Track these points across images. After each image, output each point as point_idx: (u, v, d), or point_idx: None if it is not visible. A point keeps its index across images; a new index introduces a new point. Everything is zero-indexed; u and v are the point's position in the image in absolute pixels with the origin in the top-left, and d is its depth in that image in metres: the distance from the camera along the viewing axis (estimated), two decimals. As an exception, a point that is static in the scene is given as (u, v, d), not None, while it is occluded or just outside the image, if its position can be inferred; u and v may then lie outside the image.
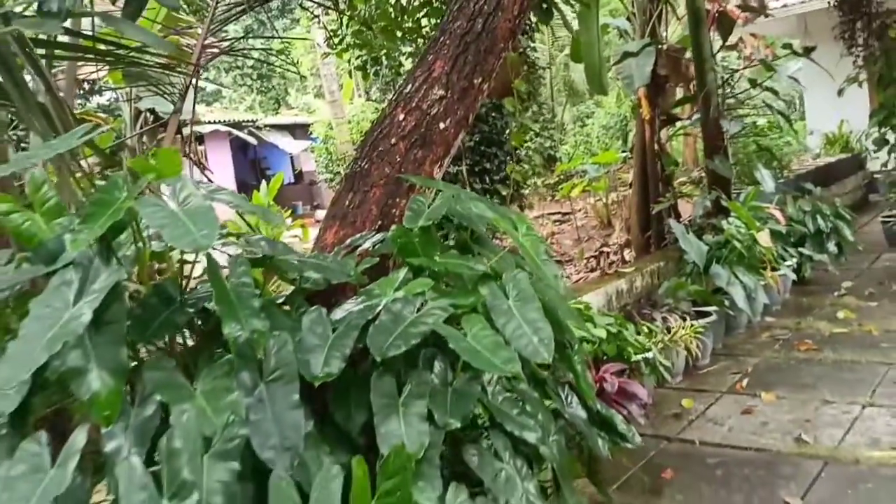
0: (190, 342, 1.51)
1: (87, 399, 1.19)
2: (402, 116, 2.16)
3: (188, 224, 1.24)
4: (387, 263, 1.87)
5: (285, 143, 16.61)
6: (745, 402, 4.29)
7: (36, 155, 1.48)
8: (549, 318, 1.65)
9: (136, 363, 1.35)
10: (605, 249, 7.38)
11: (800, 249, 6.27)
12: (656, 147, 6.36)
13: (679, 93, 6.73)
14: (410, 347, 1.43)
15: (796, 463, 3.48)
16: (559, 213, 11.00)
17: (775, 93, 6.32)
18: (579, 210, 10.59)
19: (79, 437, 1.17)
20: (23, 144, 2.55)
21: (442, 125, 2.13)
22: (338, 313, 1.53)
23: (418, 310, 1.52)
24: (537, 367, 1.76)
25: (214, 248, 1.41)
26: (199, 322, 1.48)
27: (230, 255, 1.50)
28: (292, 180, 17.83)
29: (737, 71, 6.96)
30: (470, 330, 1.49)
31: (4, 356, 1.16)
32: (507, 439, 1.51)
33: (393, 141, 2.12)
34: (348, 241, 1.94)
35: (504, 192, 7.56)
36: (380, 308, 1.52)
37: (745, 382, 4.61)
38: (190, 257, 1.48)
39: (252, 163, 17.95)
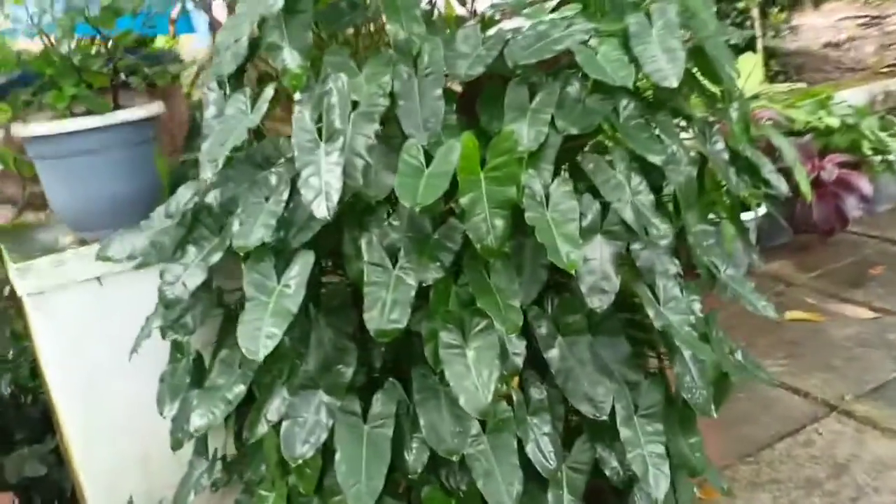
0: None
1: (282, 69, 1.59)
2: None
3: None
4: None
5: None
6: None
7: None
8: (697, 54, 1.72)
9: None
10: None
11: None
12: None
13: None
14: (545, 61, 1.62)
15: None
16: (867, 15, 9.59)
17: None
18: (894, 14, 9.14)
19: (268, 90, 1.59)
20: None
21: None
22: (490, 32, 1.74)
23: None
24: (682, 103, 1.85)
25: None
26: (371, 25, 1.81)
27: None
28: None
29: None
30: (601, 50, 1.63)
31: (222, 28, 1.58)
32: (627, 155, 1.68)
33: None
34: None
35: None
36: (526, 27, 1.70)
37: None
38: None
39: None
